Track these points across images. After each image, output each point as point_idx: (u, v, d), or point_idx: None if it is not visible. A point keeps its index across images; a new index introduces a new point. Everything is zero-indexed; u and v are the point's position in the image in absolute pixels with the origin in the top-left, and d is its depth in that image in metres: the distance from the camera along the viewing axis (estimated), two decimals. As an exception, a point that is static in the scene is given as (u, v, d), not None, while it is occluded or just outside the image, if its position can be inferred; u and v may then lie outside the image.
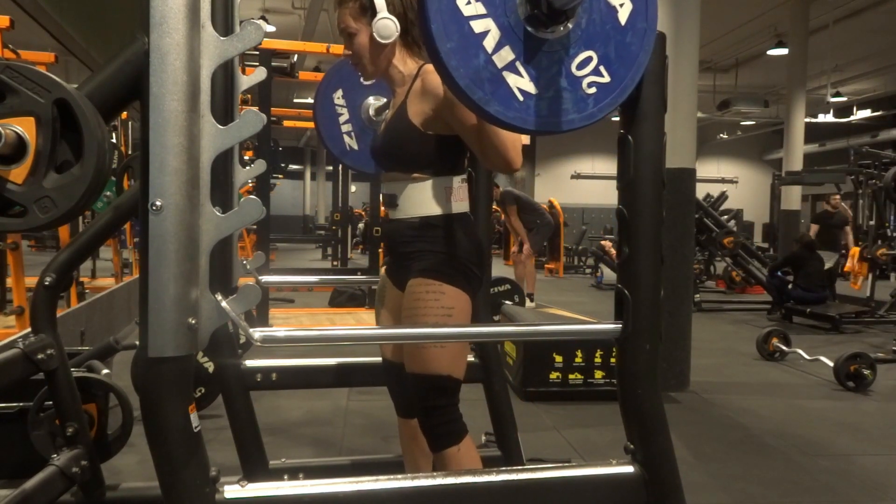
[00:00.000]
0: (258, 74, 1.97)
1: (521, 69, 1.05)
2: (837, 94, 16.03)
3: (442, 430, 1.61)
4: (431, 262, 1.63)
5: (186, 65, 0.91)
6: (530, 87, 1.06)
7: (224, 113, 1.80)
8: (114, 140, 6.14)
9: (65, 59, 5.29)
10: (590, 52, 1.09)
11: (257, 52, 5.27)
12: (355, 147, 2.23)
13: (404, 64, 1.71)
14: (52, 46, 4.75)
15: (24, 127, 0.88)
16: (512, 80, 1.05)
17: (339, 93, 2.19)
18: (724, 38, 13.03)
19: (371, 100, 2.19)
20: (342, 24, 1.70)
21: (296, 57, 5.85)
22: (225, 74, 1.82)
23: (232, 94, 1.85)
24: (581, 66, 1.09)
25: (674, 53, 4.02)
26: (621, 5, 1.11)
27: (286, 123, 10.38)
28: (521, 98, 1.06)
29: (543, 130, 1.09)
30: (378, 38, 1.63)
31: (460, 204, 1.69)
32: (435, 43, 1.00)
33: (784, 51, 12.53)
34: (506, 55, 1.04)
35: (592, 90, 1.10)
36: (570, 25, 1.07)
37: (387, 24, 1.63)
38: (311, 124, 14.30)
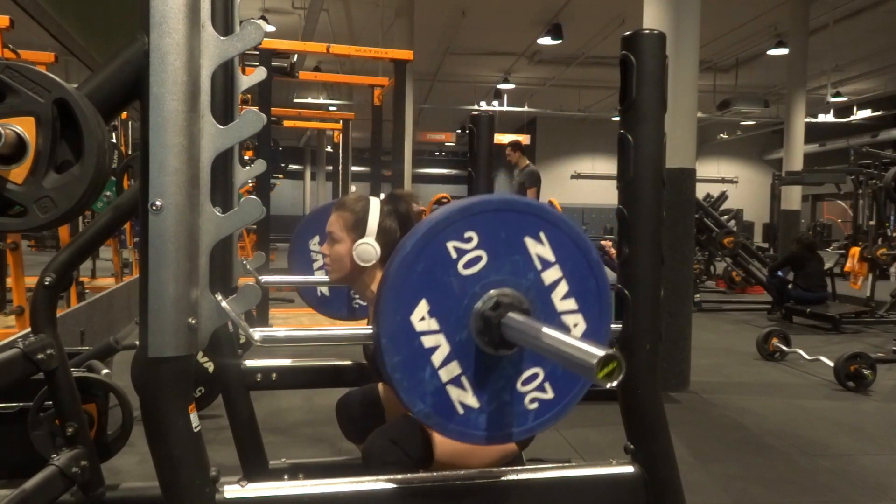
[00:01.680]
0: (258, 74, 1.97)
1: (466, 383, 1.06)
2: (837, 94, 16.04)
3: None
4: None
5: (186, 65, 0.91)
6: (473, 401, 1.06)
7: (224, 113, 1.80)
8: (114, 140, 6.14)
9: (65, 59, 5.29)
10: (537, 370, 1.09)
11: (257, 52, 5.27)
12: (327, 294, 2.31)
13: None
14: (52, 46, 4.75)
15: (24, 127, 0.88)
16: (455, 393, 1.05)
17: (316, 239, 2.27)
18: (724, 38, 13.03)
19: None
20: (330, 227, 1.74)
21: (296, 57, 5.85)
22: (225, 74, 1.82)
23: (232, 94, 1.85)
24: (526, 382, 1.09)
25: (674, 53, 4.02)
26: (575, 325, 1.11)
27: (286, 123, 10.39)
28: (461, 411, 1.06)
29: (478, 442, 1.09)
30: (357, 260, 1.68)
31: None
32: (383, 355, 1.01)
33: (784, 51, 12.54)
34: (453, 370, 1.05)
35: (534, 406, 1.10)
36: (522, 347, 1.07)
37: (367, 250, 1.68)
38: (311, 124, 14.33)
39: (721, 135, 21.42)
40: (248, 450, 2.04)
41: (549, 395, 1.11)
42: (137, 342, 0.98)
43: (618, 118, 1.22)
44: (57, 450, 1.62)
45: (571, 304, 1.10)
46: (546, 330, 0.94)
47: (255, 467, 2.04)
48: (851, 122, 17.41)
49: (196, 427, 0.97)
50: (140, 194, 0.92)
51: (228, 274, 1.92)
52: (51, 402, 1.64)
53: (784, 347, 5.09)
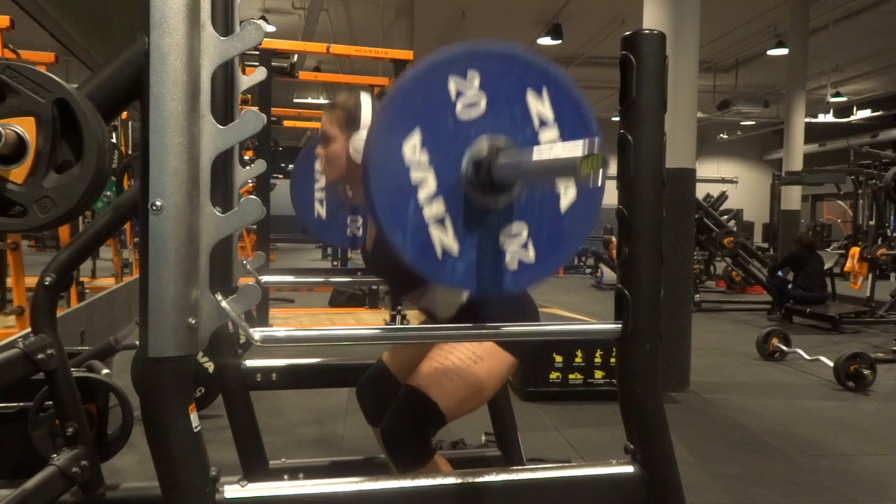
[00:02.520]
0: (258, 74, 1.97)
1: (449, 226, 1.04)
2: (837, 94, 16.04)
3: (406, 452, 1.53)
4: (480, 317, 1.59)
5: (186, 65, 0.91)
6: (453, 246, 1.04)
7: (224, 113, 1.80)
8: (114, 140, 6.14)
9: (65, 59, 5.29)
10: (522, 226, 1.08)
11: (257, 52, 5.27)
12: (323, 217, 2.27)
13: None
14: (52, 46, 4.75)
15: (24, 127, 0.88)
16: (436, 234, 1.03)
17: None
18: (724, 38, 13.03)
19: None
20: (324, 127, 1.72)
21: (296, 57, 5.85)
22: (225, 74, 1.82)
23: (232, 94, 1.85)
24: (510, 237, 1.08)
25: (674, 53, 4.02)
26: (566, 191, 1.10)
27: (286, 123, 10.38)
28: (439, 254, 1.04)
29: (453, 286, 1.07)
30: (353, 154, 1.65)
31: None
32: (369, 177, 0.99)
33: (784, 51, 12.53)
34: (436, 209, 1.03)
35: (514, 264, 1.08)
36: (512, 195, 1.06)
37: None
38: (311, 124, 14.35)
39: (721, 135, 21.41)
40: (248, 450, 2.04)
41: (531, 255, 1.09)
42: (137, 342, 0.98)
43: (618, 118, 1.22)
44: (57, 450, 1.62)
45: (556, 145, 1.08)
46: (532, 152, 0.93)
47: (255, 467, 2.04)
48: (851, 122, 17.41)
49: (196, 427, 0.97)
50: (140, 194, 0.92)
51: (228, 274, 1.92)
52: (51, 402, 1.64)
53: (784, 347, 5.09)
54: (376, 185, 0.99)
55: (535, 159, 0.93)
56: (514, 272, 1.09)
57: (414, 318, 5.21)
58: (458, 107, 1.02)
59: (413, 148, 1.01)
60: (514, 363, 1.61)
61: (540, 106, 1.06)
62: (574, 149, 0.86)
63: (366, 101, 1.69)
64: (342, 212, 2.22)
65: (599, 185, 0.86)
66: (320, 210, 2.26)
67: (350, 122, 1.67)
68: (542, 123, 1.07)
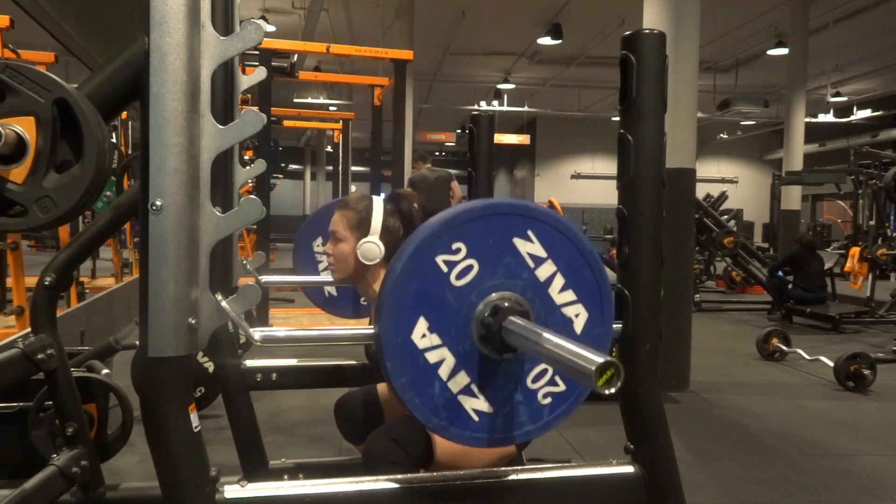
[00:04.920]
0: (258, 74, 1.97)
1: (477, 391, 1.06)
2: (837, 94, 16.04)
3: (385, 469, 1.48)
4: None
5: (186, 65, 0.91)
6: (486, 407, 1.06)
7: (224, 113, 1.80)
8: (114, 140, 6.14)
9: (65, 59, 5.29)
10: (545, 366, 1.09)
11: (257, 52, 5.27)
12: (335, 294, 2.31)
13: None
14: (52, 46, 4.75)
15: (24, 127, 0.88)
16: (468, 403, 1.05)
17: (318, 241, 2.28)
18: (724, 38, 13.03)
19: None
20: (333, 226, 1.75)
21: (296, 57, 5.85)
22: (225, 74, 1.82)
23: (232, 94, 1.85)
24: (536, 378, 1.09)
25: (674, 53, 4.02)
26: (577, 315, 1.11)
27: (286, 123, 10.39)
28: (476, 419, 1.06)
29: (498, 445, 1.09)
30: (361, 259, 1.69)
31: None
32: (391, 378, 1.01)
33: (784, 51, 12.53)
34: (461, 380, 1.04)
35: (548, 400, 1.10)
36: None
37: (371, 249, 1.68)
38: (311, 124, 14.35)
39: (721, 135, 21.41)
40: (248, 450, 2.04)
41: (561, 387, 1.10)
42: (137, 342, 0.98)
43: (618, 118, 1.22)
44: (57, 450, 1.62)
45: (570, 295, 1.10)
46: (546, 335, 0.94)
47: (255, 467, 2.04)
48: (851, 122, 17.40)
49: (196, 427, 0.97)
50: (140, 194, 0.92)
51: (228, 274, 1.92)
52: (51, 402, 1.64)
53: (784, 347, 5.09)
54: (399, 382, 1.01)
55: (547, 349, 0.92)
56: (549, 407, 1.10)
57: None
58: (452, 277, 1.04)
59: (422, 335, 1.02)
60: (514, 452, 1.61)
61: (530, 247, 1.07)
62: (589, 359, 0.84)
63: (377, 206, 1.72)
64: (349, 287, 2.24)
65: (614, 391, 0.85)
66: (329, 289, 2.31)
67: (361, 225, 1.70)
68: (537, 262, 1.08)
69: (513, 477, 1.14)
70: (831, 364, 4.36)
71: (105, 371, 2.18)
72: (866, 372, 4.23)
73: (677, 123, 4.10)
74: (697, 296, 7.46)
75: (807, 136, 12.61)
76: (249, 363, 2.06)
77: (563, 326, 1.10)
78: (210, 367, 3.07)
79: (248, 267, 2.01)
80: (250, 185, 5.35)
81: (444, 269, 1.03)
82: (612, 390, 0.84)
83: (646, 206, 1.19)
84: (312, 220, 2.32)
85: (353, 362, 2.15)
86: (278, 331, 1.06)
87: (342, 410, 1.92)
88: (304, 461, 2.30)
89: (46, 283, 1.56)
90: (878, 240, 7.08)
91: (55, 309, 1.60)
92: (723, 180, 22.35)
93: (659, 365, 1.21)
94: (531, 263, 1.08)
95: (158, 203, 0.90)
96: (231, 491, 1.01)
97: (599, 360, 0.82)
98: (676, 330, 4.18)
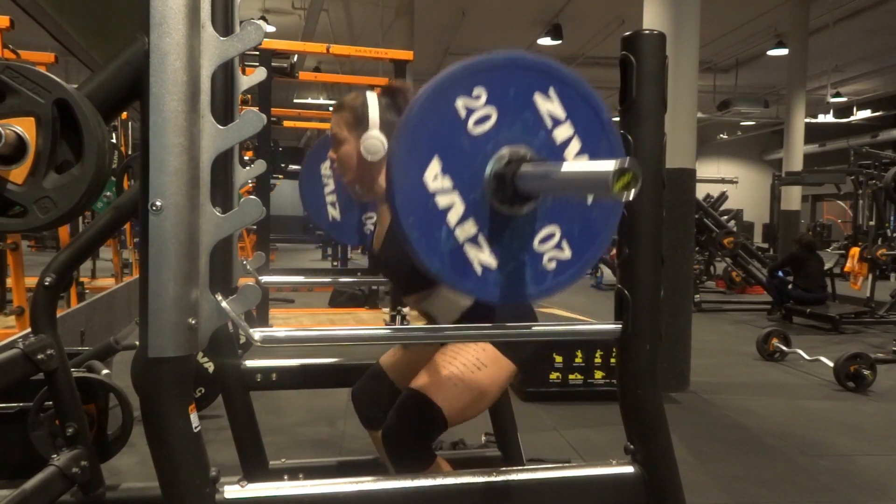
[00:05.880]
0: (258, 74, 1.97)
1: (483, 242, 1.05)
2: (837, 94, 16.04)
3: (407, 455, 1.53)
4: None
5: (186, 65, 0.91)
6: (490, 261, 1.06)
7: (224, 113, 1.80)
8: (114, 140, 6.14)
9: (65, 59, 5.29)
10: (553, 228, 1.09)
11: (257, 52, 5.27)
12: (338, 218, 2.27)
13: None
14: (52, 46, 4.75)
15: (24, 127, 0.88)
16: (473, 253, 1.05)
17: (327, 163, 2.23)
18: (724, 38, 13.03)
19: None
20: (333, 129, 1.73)
21: (296, 57, 5.84)
22: (225, 74, 1.82)
23: (232, 94, 1.85)
24: (543, 241, 1.09)
25: (674, 53, 4.02)
26: None
27: (286, 123, 10.38)
28: (479, 271, 1.05)
29: (497, 302, 1.08)
30: (365, 154, 1.66)
31: None
32: (399, 216, 1.01)
33: (784, 51, 12.54)
34: (468, 229, 1.04)
35: (552, 265, 1.10)
36: (536, 202, 1.07)
37: (374, 143, 1.65)
38: (311, 124, 14.36)
39: (721, 135, 21.42)
40: (248, 450, 2.04)
41: (567, 254, 1.10)
42: (137, 342, 0.98)
43: (618, 118, 1.22)
44: (57, 450, 1.62)
45: (585, 161, 1.09)
46: (560, 165, 0.93)
47: (255, 467, 2.04)
48: (851, 123, 17.40)
49: (196, 427, 0.97)
50: (140, 194, 0.92)
51: (228, 274, 1.92)
52: (51, 403, 1.64)
53: (784, 348, 5.09)
54: (406, 220, 1.00)
55: (563, 175, 0.92)
56: (554, 272, 1.10)
57: (414, 318, 5.21)
58: (470, 124, 1.03)
59: (435, 176, 1.01)
60: (515, 370, 1.62)
61: (549, 105, 1.06)
62: (606, 165, 0.84)
63: (372, 99, 1.69)
64: (355, 211, 2.22)
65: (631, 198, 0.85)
66: (333, 212, 2.26)
67: (358, 122, 1.68)
68: (555, 123, 1.07)
69: (513, 477, 1.14)
70: (831, 364, 4.36)
71: (105, 371, 2.18)
72: (866, 372, 4.23)
73: (677, 123, 4.10)
74: (697, 296, 7.46)
75: (807, 137, 12.61)
76: (249, 363, 2.06)
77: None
78: (210, 367, 3.07)
79: (248, 267, 2.01)
80: (250, 185, 5.35)
81: (463, 113, 1.02)
82: (631, 196, 0.83)
83: (646, 207, 1.19)
84: (321, 145, 2.27)
85: (353, 362, 2.15)
86: (278, 331, 1.06)
87: (358, 397, 1.91)
88: (304, 461, 2.30)
89: (46, 283, 1.56)
90: (877, 240, 7.08)
91: (55, 309, 1.60)
92: (723, 180, 22.28)
93: (659, 365, 1.21)
94: (549, 123, 1.07)
95: (158, 203, 0.90)
96: (231, 491, 1.01)
97: (617, 165, 0.81)
98: (676, 330, 4.19)
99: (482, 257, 1.05)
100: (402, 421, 1.55)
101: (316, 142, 2.30)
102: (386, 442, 1.55)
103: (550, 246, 1.09)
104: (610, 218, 1.13)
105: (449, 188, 1.02)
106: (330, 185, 2.24)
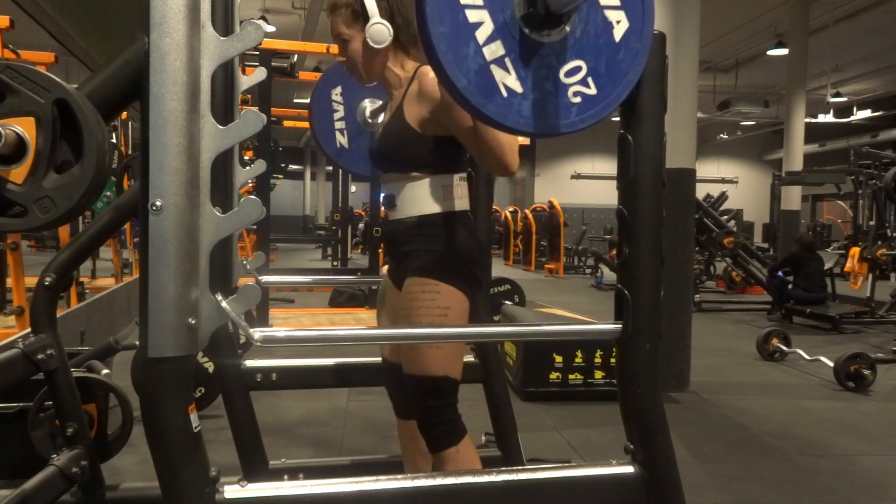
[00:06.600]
0: (258, 74, 1.97)
1: (510, 65, 1.05)
2: (837, 94, 16.04)
3: (439, 430, 1.61)
4: (428, 260, 1.62)
5: (186, 65, 0.91)
6: (516, 85, 1.06)
7: (224, 113, 1.80)
8: (114, 140, 6.14)
9: (65, 59, 5.29)
10: (580, 62, 1.09)
11: (257, 52, 5.27)
12: (346, 146, 2.23)
13: (400, 66, 1.72)
14: (52, 46, 4.75)
15: (24, 127, 0.88)
16: (499, 74, 1.05)
17: (339, 90, 2.20)
18: (724, 38, 13.03)
19: (367, 102, 2.20)
20: (335, 31, 1.71)
21: (296, 57, 5.85)
22: (225, 74, 1.82)
23: (232, 94, 1.85)
24: (570, 73, 1.09)
25: (674, 53, 4.02)
26: (618, 22, 1.11)
27: (286, 123, 10.38)
28: (504, 94, 1.05)
29: (522, 131, 1.09)
30: (371, 44, 1.64)
31: (460, 202, 1.68)
32: (427, 25, 1.00)
33: (784, 51, 12.54)
34: (496, 49, 1.04)
35: (577, 100, 1.10)
36: (566, 30, 1.08)
37: (380, 30, 1.64)
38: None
39: (721, 135, 21.42)
40: (248, 450, 2.04)
41: (593, 90, 1.10)
42: (137, 342, 0.98)
43: (618, 118, 1.22)
44: (57, 450, 1.62)
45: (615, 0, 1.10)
46: None
47: (255, 467, 2.04)
48: (851, 123, 17.41)
49: (196, 427, 0.97)
50: (140, 194, 0.92)
51: (228, 274, 1.92)
52: (51, 403, 1.64)
53: (784, 347, 5.09)
54: (436, 30, 1.00)
55: None
56: (578, 108, 1.10)
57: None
58: None
59: None
60: (467, 298, 1.65)
61: None
62: None
63: None
64: (362, 139, 2.20)
65: None
66: (341, 139, 2.23)
67: (358, 16, 1.66)
68: None
69: (513, 477, 1.14)
70: (831, 364, 4.36)
71: (105, 371, 2.18)
72: (866, 372, 4.23)
73: (677, 124, 4.10)
74: (697, 296, 7.45)
75: (807, 137, 12.61)
76: (249, 363, 2.06)
77: (604, 28, 1.10)
78: (210, 367, 3.07)
79: (248, 267, 2.01)
80: (250, 185, 5.35)
81: None
82: None
83: (646, 207, 1.19)
84: (335, 68, 2.22)
85: (353, 362, 2.15)
86: (278, 331, 1.06)
87: (389, 390, 1.96)
88: (304, 461, 2.30)
89: (46, 283, 1.56)
90: (878, 240, 7.07)
91: (55, 309, 1.61)
92: (723, 180, 22.36)
93: (659, 365, 1.21)
94: None
95: (158, 203, 0.90)
96: (231, 491, 1.02)
97: None
98: (676, 330, 4.18)
99: (508, 81, 1.05)
100: (423, 407, 1.63)
101: (326, 72, 2.27)
102: (421, 430, 1.65)
103: (576, 80, 1.09)
104: (636, 60, 1.12)
105: (480, 4, 1.02)
106: (340, 112, 2.21)
